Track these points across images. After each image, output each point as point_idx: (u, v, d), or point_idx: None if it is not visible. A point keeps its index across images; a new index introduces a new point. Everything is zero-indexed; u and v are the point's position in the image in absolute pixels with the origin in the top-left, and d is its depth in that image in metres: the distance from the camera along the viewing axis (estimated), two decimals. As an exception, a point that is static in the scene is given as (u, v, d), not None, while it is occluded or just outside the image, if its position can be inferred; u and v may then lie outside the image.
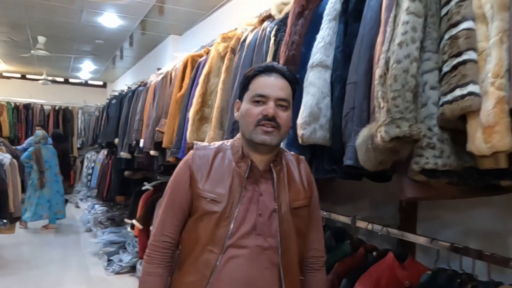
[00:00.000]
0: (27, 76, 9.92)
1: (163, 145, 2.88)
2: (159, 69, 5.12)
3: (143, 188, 4.36)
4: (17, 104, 9.34)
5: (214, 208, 1.21)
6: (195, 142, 1.35)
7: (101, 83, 10.88)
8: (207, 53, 2.74)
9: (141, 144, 3.67)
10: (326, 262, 1.42)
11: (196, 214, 1.24)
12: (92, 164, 8.17)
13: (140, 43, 6.11)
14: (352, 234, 1.84)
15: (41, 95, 9.51)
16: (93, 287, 4.02)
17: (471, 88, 0.96)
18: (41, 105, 9.57)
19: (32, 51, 5.96)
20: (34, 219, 5.99)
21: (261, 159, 1.25)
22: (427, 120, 1.08)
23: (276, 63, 1.33)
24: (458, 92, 0.98)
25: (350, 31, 1.40)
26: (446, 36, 1.05)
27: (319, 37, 1.47)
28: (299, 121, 1.45)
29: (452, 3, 1.05)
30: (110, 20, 5.00)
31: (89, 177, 8.14)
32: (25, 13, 4.79)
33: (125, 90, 5.53)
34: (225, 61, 2.27)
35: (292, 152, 1.37)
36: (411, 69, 1.06)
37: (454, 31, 1.03)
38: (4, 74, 9.60)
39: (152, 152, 3.32)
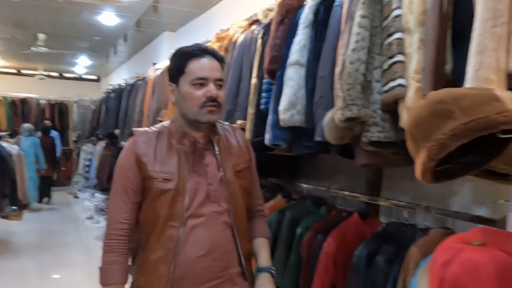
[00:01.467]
0: (22, 71, 10.13)
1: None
2: (154, 64, 5.45)
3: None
4: (14, 99, 9.59)
5: (167, 186, 1.29)
6: (134, 129, 1.41)
7: (95, 77, 11.13)
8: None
9: (142, 134, 4.02)
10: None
11: (150, 195, 1.31)
12: (89, 156, 8.49)
13: (135, 39, 6.41)
14: (327, 201, 2.25)
15: (36, 90, 9.73)
16: (96, 267, 4.39)
17: (399, 81, 1.35)
18: (37, 100, 9.82)
19: (32, 48, 6.25)
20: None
21: (201, 134, 1.37)
22: (373, 105, 1.47)
23: (204, 44, 1.43)
24: (391, 84, 1.37)
25: (319, 36, 1.78)
26: (385, 43, 1.43)
27: (295, 41, 1.84)
28: (281, 108, 1.82)
29: (389, 18, 1.43)
30: (108, 18, 5.32)
31: (87, 168, 8.47)
32: (31, 13, 5.09)
33: (123, 84, 5.86)
34: (219, 59, 2.63)
35: (226, 123, 1.54)
36: (360, 69, 1.44)
37: (390, 39, 1.41)
38: (0, 69, 9.80)
39: (153, 140, 3.68)
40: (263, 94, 2.06)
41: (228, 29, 2.82)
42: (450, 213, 1.67)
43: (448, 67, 1.28)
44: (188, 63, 1.30)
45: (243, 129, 2.18)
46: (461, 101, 0.73)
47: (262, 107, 2.05)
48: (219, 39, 2.77)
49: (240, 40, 2.48)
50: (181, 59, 1.32)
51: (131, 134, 1.39)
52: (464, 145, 0.80)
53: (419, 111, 0.80)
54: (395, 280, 1.54)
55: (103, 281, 1.33)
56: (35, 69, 8.89)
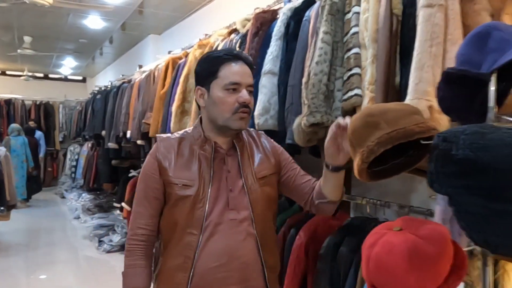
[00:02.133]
0: (8, 72, 10.12)
1: (150, 135, 3.39)
2: (140, 66, 5.58)
3: (130, 175, 4.85)
4: (-1, 99, 9.60)
5: (187, 192, 1.26)
6: (157, 135, 1.39)
7: (80, 78, 11.16)
8: (186, 56, 3.25)
9: (128, 135, 4.15)
10: None
11: (170, 201, 1.29)
12: (76, 157, 8.55)
13: (121, 41, 6.52)
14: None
15: (22, 90, 9.74)
16: (87, 264, 4.50)
17: (356, 91, 1.53)
18: (22, 101, 9.83)
19: (19, 51, 6.31)
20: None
21: (225, 140, 1.34)
22: (335, 111, 1.64)
23: (236, 49, 1.41)
24: (349, 94, 1.55)
25: (290, 48, 1.95)
26: (345, 56, 1.61)
27: (269, 51, 2.01)
28: (256, 113, 1.99)
29: (349, 35, 1.61)
30: (94, 22, 5.43)
31: (73, 169, 8.52)
32: (15, 16, 5.17)
33: (108, 86, 5.96)
34: (201, 65, 2.79)
35: (252, 128, 1.52)
36: (323, 80, 1.62)
37: (348, 53, 1.59)
38: (-15, 71, 9.80)
39: (139, 142, 3.82)
40: (241, 100, 2.22)
41: (209, 36, 2.98)
42: (406, 208, 1.85)
43: (397, 79, 1.46)
44: (221, 68, 1.27)
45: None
46: (386, 115, 0.90)
47: (239, 111, 2.22)
48: (200, 46, 2.92)
49: (220, 48, 2.64)
50: (213, 63, 1.29)
51: (155, 140, 1.39)
52: (397, 149, 0.98)
53: (355, 122, 0.96)
54: (357, 267, 1.73)
55: (125, 285, 1.32)
56: (21, 70, 8.91)
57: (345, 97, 1.57)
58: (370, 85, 1.50)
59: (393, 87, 1.47)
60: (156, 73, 3.75)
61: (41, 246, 5.12)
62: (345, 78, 1.60)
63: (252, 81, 1.31)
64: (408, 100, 1.30)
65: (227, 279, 1.26)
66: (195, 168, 1.29)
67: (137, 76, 4.62)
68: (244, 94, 1.26)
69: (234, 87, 1.26)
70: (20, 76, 9.03)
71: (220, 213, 1.27)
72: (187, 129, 1.40)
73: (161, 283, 1.33)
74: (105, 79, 8.52)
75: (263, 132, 1.54)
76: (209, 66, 1.30)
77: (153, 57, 5.76)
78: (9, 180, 4.97)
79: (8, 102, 9.69)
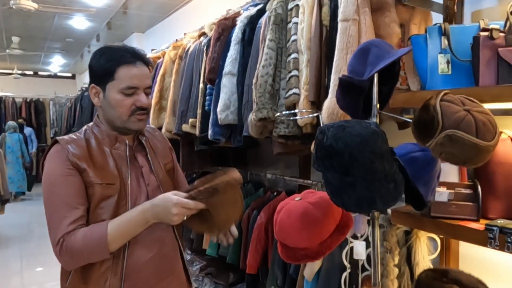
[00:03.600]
0: (-3, 70, 10.30)
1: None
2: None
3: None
4: (-11, 98, 9.78)
5: (110, 192, 1.23)
6: (59, 138, 1.28)
7: (70, 74, 11.33)
8: (163, 55, 3.51)
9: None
10: None
11: (93, 202, 1.22)
12: (67, 152, 8.77)
13: (107, 39, 6.72)
14: (265, 184, 2.72)
15: (12, 88, 9.92)
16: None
17: (294, 90, 1.81)
18: (13, 98, 10.01)
19: (7, 50, 6.51)
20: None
21: (130, 137, 1.35)
22: (280, 108, 1.92)
23: (137, 48, 1.33)
24: (290, 92, 1.83)
25: (246, 52, 2.22)
26: (287, 60, 1.89)
27: (228, 55, 2.28)
28: (218, 109, 2.26)
29: (289, 42, 1.88)
30: (79, 22, 5.65)
31: (65, 164, 8.74)
32: (2, 18, 5.39)
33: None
34: (175, 65, 3.05)
35: (148, 125, 1.49)
36: (268, 81, 1.89)
37: (289, 58, 1.86)
38: (-25, 69, 9.95)
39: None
40: (207, 98, 2.50)
41: (182, 39, 3.24)
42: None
43: (326, 80, 1.74)
44: (118, 69, 1.23)
45: (194, 126, 2.63)
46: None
47: (206, 108, 2.49)
48: (175, 47, 3.18)
49: (191, 49, 2.90)
50: (111, 63, 1.23)
51: (54, 142, 1.27)
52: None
53: None
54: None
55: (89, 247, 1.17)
56: (10, 69, 9.08)
57: (286, 95, 1.85)
58: (305, 85, 1.77)
59: (324, 87, 1.75)
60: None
61: (36, 239, 5.39)
62: (286, 79, 1.88)
63: (150, 83, 1.30)
64: (329, 98, 1.58)
65: (160, 268, 1.30)
66: (112, 167, 1.25)
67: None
68: (142, 98, 1.24)
69: (131, 92, 1.23)
70: (9, 74, 9.20)
71: None
72: (85, 128, 1.34)
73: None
74: (94, 75, 8.71)
75: (154, 127, 1.68)
76: (105, 64, 1.24)
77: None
78: (2, 176, 5.22)
79: (-1, 100, 9.89)
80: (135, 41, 6.29)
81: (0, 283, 3.90)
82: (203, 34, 2.87)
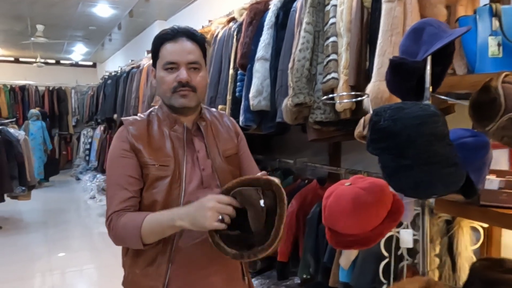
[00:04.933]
0: (21, 59, 10.43)
1: (158, 117, 3.65)
2: (148, 51, 5.81)
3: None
4: (13, 86, 9.93)
5: (164, 173, 1.23)
6: (123, 118, 1.33)
7: (91, 63, 11.43)
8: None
9: (138, 118, 4.42)
10: None
11: (147, 182, 1.24)
12: (89, 140, 8.87)
13: (129, 27, 6.73)
14: (294, 172, 2.69)
15: (35, 76, 10.04)
16: (102, 240, 4.82)
17: (333, 75, 1.76)
18: (36, 87, 10.16)
19: (32, 39, 6.58)
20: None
21: (188, 119, 1.32)
22: (317, 93, 1.88)
23: (182, 26, 1.33)
24: (328, 77, 1.78)
25: (279, 36, 2.17)
26: (325, 44, 1.84)
27: (261, 39, 2.24)
28: (250, 95, 2.23)
29: (328, 25, 1.83)
30: (103, 10, 5.66)
31: (87, 151, 8.85)
32: (27, 6, 5.43)
33: (118, 71, 6.22)
34: (203, 51, 3.02)
35: (214, 109, 1.49)
36: (305, 65, 1.85)
37: (327, 41, 1.81)
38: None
39: (148, 124, 4.08)
40: (238, 83, 2.47)
41: (210, 24, 3.20)
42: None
43: (367, 64, 1.69)
44: (161, 47, 1.26)
45: (223, 113, 2.61)
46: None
47: (237, 94, 2.46)
48: (202, 33, 3.14)
49: (220, 35, 2.86)
50: (156, 43, 1.28)
51: (120, 124, 1.32)
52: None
53: None
54: (338, 229, 1.99)
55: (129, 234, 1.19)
56: (33, 57, 9.20)
57: (324, 80, 1.80)
58: (345, 69, 1.73)
59: (364, 71, 1.70)
60: (162, 59, 3.99)
61: (59, 224, 5.49)
62: (324, 63, 1.83)
63: (195, 58, 1.25)
64: (372, 82, 1.53)
65: (208, 254, 1.25)
66: (168, 148, 1.26)
67: (145, 62, 4.87)
68: (182, 73, 1.23)
69: (171, 66, 1.23)
70: (33, 63, 9.32)
71: (195, 192, 1.26)
72: (151, 110, 1.37)
73: (139, 268, 1.26)
74: (114, 64, 8.77)
75: (224, 112, 1.57)
76: (153, 46, 1.29)
77: (160, 42, 5.98)
78: (29, 162, 5.31)
79: (23, 88, 10.03)
80: (157, 29, 6.28)
81: (25, 266, 3.98)
82: (232, 19, 2.83)
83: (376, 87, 1.50)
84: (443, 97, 1.20)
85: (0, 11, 5.67)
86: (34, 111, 8.04)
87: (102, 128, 7.55)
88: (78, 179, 8.79)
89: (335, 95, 1.68)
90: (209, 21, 3.58)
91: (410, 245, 1.25)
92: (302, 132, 2.45)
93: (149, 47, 5.38)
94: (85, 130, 9.36)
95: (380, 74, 1.50)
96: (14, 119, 6.98)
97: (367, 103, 1.52)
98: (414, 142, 0.91)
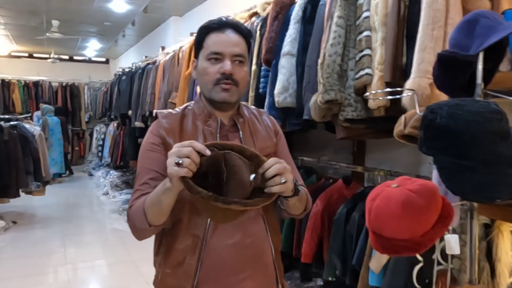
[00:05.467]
0: (34, 55, 10.48)
1: (176, 114, 3.61)
2: (163, 47, 5.78)
3: (156, 152, 5.11)
4: (27, 81, 9.97)
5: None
6: (157, 111, 1.30)
7: (104, 59, 11.45)
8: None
9: (154, 114, 4.38)
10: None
11: None
12: (102, 136, 8.90)
13: (143, 23, 6.71)
14: (317, 170, 2.62)
15: (48, 72, 10.08)
16: (117, 236, 4.81)
17: (367, 70, 1.69)
18: (49, 82, 10.20)
19: (47, 34, 6.59)
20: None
21: (225, 115, 1.26)
22: (347, 89, 1.81)
23: (229, 17, 1.30)
24: (361, 73, 1.71)
25: (307, 31, 2.11)
26: (357, 39, 1.77)
27: (287, 34, 2.17)
28: (276, 91, 2.17)
29: (360, 19, 1.76)
30: (118, 5, 5.63)
31: (100, 147, 8.88)
32: (44, 1, 5.42)
33: (133, 67, 6.19)
34: (224, 47, 2.97)
35: (253, 107, 1.43)
36: (337, 60, 1.78)
37: (360, 36, 1.74)
38: (13, 53, 10.16)
39: (165, 120, 4.04)
40: (261, 80, 2.41)
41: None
42: (415, 177, 2.01)
43: (404, 59, 1.61)
44: (207, 37, 1.21)
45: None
46: None
47: (260, 90, 2.40)
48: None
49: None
50: (201, 33, 1.23)
51: (155, 117, 1.29)
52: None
53: None
54: (367, 231, 1.91)
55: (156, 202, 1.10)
56: (47, 53, 9.23)
57: (357, 76, 1.73)
58: (379, 65, 1.65)
59: (400, 67, 1.62)
60: (180, 55, 3.95)
61: (73, 219, 5.48)
62: (357, 58, 1.76)
63: (240, 51, 1.21)
64: (412, 78, 1.46)
65: (242, 257, 1.19)
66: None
67: (161, 58, 4.82)
68: (226, 65, 1.18)
69: (215, 57, 1.19)
70: (47, 58, 9.36)
71: None
72: (187, 104, 1.32)
73: (169, 267, 1.22)
74: (128, 60, 8.76)
75: (264, 110, 1.48)
76: (198, 37, 1.25)
77: (175, 38, 5.94)
78: (44, 158, 5.31)
79: (36, 84, 10.07)
80: (172, 25, 6.24)
81: (40, 261, 3.97)
82: (255, 14, 2.77)
83: (417, 83, 1.42)
84: (498, 94, 1.13)
85: (17, 6, 5.68)
86: (49, 106, 8.04)
87: (115, 124, 7.54)
88: (90, 174, 8.82)
89: (378, 91, 1.59)
90: (227, 17, 3.52)
91: (457, 252, 1.18)
92: (325, 130, 2.39)
93: (163, 43, 5.39)
94: (98, 126, 9.38)
95: (420, 70, 1.43)
96: (29, 115, 6.96)
97: (406, 100, 1.45)
98: (477, 142, 0.84)
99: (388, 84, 1.64)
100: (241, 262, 1.20)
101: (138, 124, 4.96)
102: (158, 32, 6.99)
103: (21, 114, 9.17)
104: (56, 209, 6.06)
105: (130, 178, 6.69)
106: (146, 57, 6.17)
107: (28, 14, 6.08)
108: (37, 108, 9.84)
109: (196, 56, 1.27)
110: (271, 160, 1.06)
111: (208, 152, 0.99)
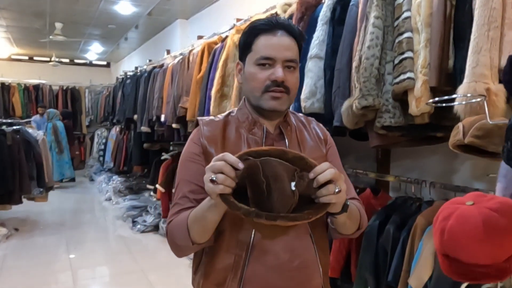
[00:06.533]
0: (35, 58, 10.36)
1: (187, 119, 3.49)
2: (168, 51, 5.67)
3: (162, 157, 4.99)
4: (27, 85, 9.84)
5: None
6: (199, 118, 1.21)
7: (105, 63, 11.33)
8: (222, 41, 3.32)
9: (162, 119, 4.26)
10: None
11: None
12: (104, 140, 8.76)
13: (147, 26, 6.60)
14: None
15: (49, 76, 9.96)
16: (122, 243, 4.68)
17: (409, 74, 1.58)
18: (50, 86, 10.07)
19: (51, 37, 6.46)
20: (61, 178, 7.79)
21: (271, 123, 1.16)
22: (385, 95, 1.70)
23: (280, 17, 1.18)
24: (402, 77, 1.60)
25: (336, 32, 2.00)
26: (396, 41, 1.66)
27: (315, 36, 2.06)
28: (302, 96, 2.05)
29: (400, 19, 1.65)
30: (124, 7, 5.52)
31: (101, 152, 8.74)
32: (49, 2, 5.30)
33: (138, 71, 6.08)
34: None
35: (301, 114, 1.33)
36: (375, 64, 1.67)
37: (400, 38, 1.63)
38: (13, 56, 10.03)
39: (174, 125, 3.93)
40: (284, 84, 2.29)
41: (246, 21, 3.04)
42: (452, 187, 1.90)
43: (450, 62, 1.50)
44: (256, 40, 1.10)
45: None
46: None
47: (283, 95, 2.28)
48: (239, 30, 2.98)
49: (259, 32, 2.69)
50: (250, 34, 1.12)
51: (196, 124, 1.21)
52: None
53: None
54: (404, 244, 1.80)
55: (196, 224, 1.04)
56: (48, 56, 9.11)
57: (397, 80, 1.62)
58: (423, 68, 1.54)
59: (446, 71, 1.51)
60: (190, 58, 3.83)
61: (77, 226, 5.34)
62: (396, 62, 1.65)
63: (292, 56, 1.10)
64: (466, 83, 1.34)
65: (289, 280, 1.08)
66: None
67: (169, 61, 4.71)
68: (277, 71, 1.07)
69: (266, 62, 1.08)
70: (47, 61, 9.23)
71: None
72: (231, 111, 1.23)
73: None
74: (130, 64, 8.65)
75: (313, 118, 1.35)
76: (246, 38, 1.14)
77: (181, 41, 5.84)
78: (47, 163, 5.18)
79: (37, 87, 9.95)
80: (178, 29, 6.14)
81: (44, 272, 3.82)
82: (273, 16, 2.66)
83: (472, 88, 1.31)
84: None
85: (20, 7, 5.56)
86: (55, 110, 7.98)
87: (118, 128, 7.42)
88: (92, 179, 8.67)
89: (455, 96, 1.42)
90: (236, 19, 3.42)
91: None
92: (349, 137, 2.28)
93: (169, 46, 5.25)
94: (99, 130, 9.25)
95: (475, 74, 1.32)
96: (31, 119, 6.85)
97: (461, 107, 1.33)
98: None
99: (433, 89, 1.53)
100: (286, 285, 1.08)
101: (144, 129, 4.83)
102: (163, 35, 6.89)
103: (21, 118, 9.05)
104: (59, 215, 5.92)
105: (133, 183, 6.55)
106: (150, 60, 6.06)
107: (32, 16, 5.96)
108: (36, 112, 9.71)
109: (241, 59, 1.17)
110: (324, 164, 0.94)
111: (240, 166, 0.90)
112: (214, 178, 0.87)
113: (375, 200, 2.19)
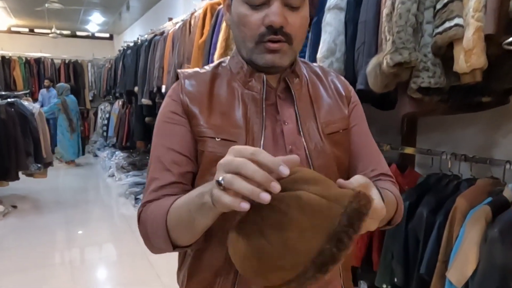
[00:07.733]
0: (35, 30, 10.03)
1: (189, 88, 3.19)
2: (170, 19, 5.30)
3: (165, 132, 4.72)
4: (28, 58, 9.54)
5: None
6: (180, 70, 0.92)
7: (107, 35, 10.97)
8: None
9: (163, 90, 3.97)
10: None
11: (202, 164, 0.82)
12: (107, 115, 8.50)
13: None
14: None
15: (50, 49, 9.66)
16: (124, 222, 4.47)
17: (457, 20, 1.25)
18: (52, 59, 9.76)
19: (47, 5, 6.12)
20: (77, 156, 7.55)
21: (275, 76, 0.87)
22: (423, 49, 1.38)
23: None
24: (447, 24, 1.27)
25: (361, -24, 1.66)
26: (439, -20, 1.33)
27: (334, -18, 1.73)
28: (319, 55, 1.74)
29: (445, -48, 1.31)
30: (122, -30, 5.14)
31: (105, 127, 8.50)
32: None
33: (139, 40, 5.74)
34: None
35: (315, 64, 1.01)
36: (412, 9, 1.34)
37: (445, -25, 1.30)
38: (13, 28, 9.71)
39: (175, 96, 3.63)
40: (298, 42, 1.97)
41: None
42: (500, 163, 1.58)
43: (510, 5, 1.18)
44: None
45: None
46: None
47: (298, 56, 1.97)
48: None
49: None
50: None
51: (176, 77, 0.92)
52: None
53: None
54: (440, 231, 1.51)
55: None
56: (48, 28, 8.78)
57: (440, 29, 1.30)
58: (476, 12, 1.22)
59: (506, 14, 1.19)
60: (192, 22, 3.50)
61: (79, 204, 5.14)
62: (439, 6, 1.32)
63: None
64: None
65: None
66: (238, 115, 0.83)
67: (170, 27, 4.37)
68: (273, 12, 0.75)
69: (260, 2, 0.77)
70: (48, 34, 8.91)
71: None
72: (221, 60, 0.93)
73: None
74: (133, 35, 8.28)
75: (331, 70, 1.02)
76: None
77: (184, 9, 5.46)
78: (44, 138, 4.94)
79: (38, 61, 9.65)
80: (181, -5, 5.75)
81: (45, 252, 3.63)
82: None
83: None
84: None
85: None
86: (65, 85, 7.46)
87: (120, 102, 7.14)
88: (95, 155, 8.48)
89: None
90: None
91: None
92: (370, 106, 1.98)
93: (172, 15, 4.85)
94: (103, 105, 8.98)
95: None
96: (28, 91, 6.50)
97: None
98: None
99: (488, 37, 1.21)
100: None
101: (145, 101, 4.54)
102: (166, 3, 6.51)
103: (23, 91, 8.82)
104: (60, 192, 5.72)
105: (136, 159, 6.32)
106: (152, 30, 5.71)
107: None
108: (40, 86, 9.45)
109: None
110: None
111: (284, 171, 0.54)
112: (222, 182, 0.55)
113: (402, 178, 1.90)
